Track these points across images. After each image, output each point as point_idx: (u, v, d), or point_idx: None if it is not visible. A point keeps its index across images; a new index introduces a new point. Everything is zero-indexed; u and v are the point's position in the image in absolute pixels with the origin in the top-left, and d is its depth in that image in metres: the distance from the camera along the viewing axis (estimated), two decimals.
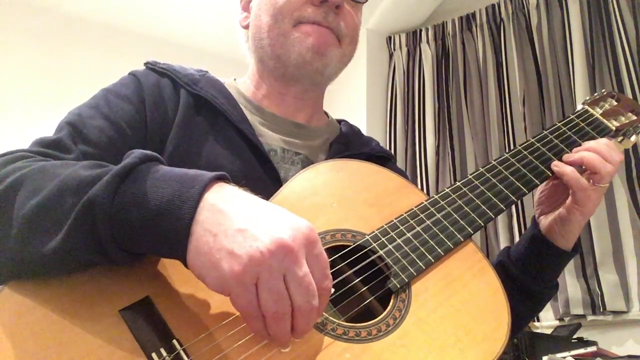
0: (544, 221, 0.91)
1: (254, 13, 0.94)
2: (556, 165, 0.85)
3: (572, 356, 1.78)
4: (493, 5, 2.87)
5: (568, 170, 0.84)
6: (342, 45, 0.91)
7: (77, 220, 0.56)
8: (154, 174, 0.58)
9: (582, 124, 0.92)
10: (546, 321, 2.27)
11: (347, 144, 0.97)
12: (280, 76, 0.93)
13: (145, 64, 0.92)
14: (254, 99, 0.95)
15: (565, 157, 0.87)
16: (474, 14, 2.95)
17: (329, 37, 0.88)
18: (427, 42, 3.10)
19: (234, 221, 0.54)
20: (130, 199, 0.56)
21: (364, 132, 1.08)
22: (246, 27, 0.97)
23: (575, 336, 1.94)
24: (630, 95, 2.29)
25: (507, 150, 0.87)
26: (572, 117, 0.94)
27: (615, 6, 2.42)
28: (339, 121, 1.06)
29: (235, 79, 1.01)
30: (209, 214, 0.55)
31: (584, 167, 0.86)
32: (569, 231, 0.88)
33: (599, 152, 0.85)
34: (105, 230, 0.55)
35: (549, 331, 2.09)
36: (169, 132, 0.83)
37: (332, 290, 0.59)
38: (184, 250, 0.55)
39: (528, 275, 0.90)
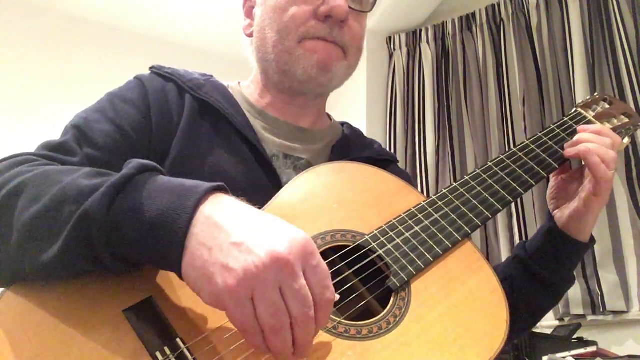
0: (559, 215, 0.92)
1: (257, 25, 0.93)
2: (587, 159, 0.85)
3: (572, 356, 1.78)
4: (493, 5, 2.87)
5: (597, 162, 0.84)
6: (347, 58, 0.91)
7: (73, 231, 0.56)
8: (150, 185, 0.58)
9: (575, 127, 0.93)
10: (546, 321, 2.27)
11: (349, 147, 0.97)
12: (286, 89, 0.93)
13: (151, 68, 0.93)
14: (257, 104, 0.95)
15: (568, 151, 0.88)
16: (474, 14, 2.95)
17: (334, 52, 0.88)
18: (427, 42, 3.10)
19: (229, 235, 0.54)
20: (125, 212, 0.56)
21: (364, 132, 1.09)
22: (250, 35, 0.97)
23: (575, 336, 1.95)
24: (630, 95, 2.30)
25: (502, 152, 0.89)
26: (565, 119, 0.96)
27: (615, 6, 2.42)
28: (342, 123, 1.06)
29: (239, 83, 1.01)
30: (204, 227, 0.54)
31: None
32: (586, 223, 0.89)
33: (597, 141, 0.87)
34: (100, 242, 0.55)
35: (549, 331, 2.09)
36: (174, 137, 0.83)
37: (338, 297, 0.59)
38: (179, 264, 0.54)
39: (546, 268, 0.91)
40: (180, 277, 0.56)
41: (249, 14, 0.98)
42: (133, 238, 0.55)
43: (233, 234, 0.54)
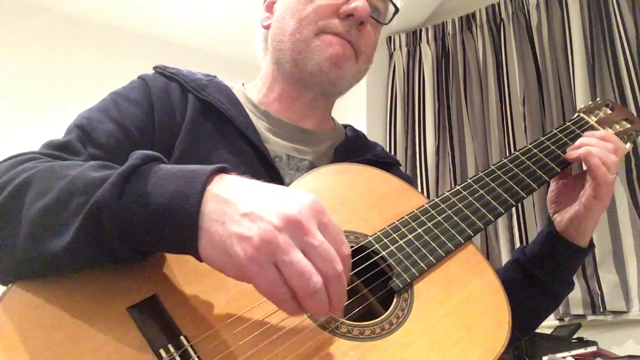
0: (559, 219, 0.92)
1: (277, 14, 0.95)
2: (587, 161, 0.86)
3: (572, 356, 1.78)
4: (493, 5, 2.88)
5: (597, 164, 0.84)
6: (358, 62, 0.93)
7: (84, 222, 0.56)
8: (156, 172, 0.59)
9: (578, 131, 0.94)
10: (546, 321, 2.25)
11: (352, 149, 0.98)
12: (295, 81, 0.94)
13: (154, 68, 0.93)
14: (261, 104, 0.96)
15: (570, 154, 0.89)
16: (474, 14, 2.95)
17: (348, 50, 0.90)
18: (427, 42, 3.10)
19: (238, 207, 0.54)
20: (136, 200, 0.56)
21: (364, 132, 1.09)
22: (267, 27, 0.98)
23: (575, 336, 1.95)
24: (630, 95, 2.30)
25: (506, 155, 0.89)
26: (568, 124, 0.97)
27: (615, 6, 2.42)
28: (345, 126, 1.07)
29: (243, 84, 1.01)
30: (214, 205, 0.55)
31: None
32: (587, 227, 0.89)
33: (599, 145, 0.87)
34: (112, 232, 0.56)
35: (549, 331, 2.10)
36: (177, 137, 0.83)
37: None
38: (195, 245, 0.55)
39: (545, 272, 0.91)
40: (199, 258, 0.56)
41: (269, 8, 1.00)
42: (146, 226, 0.56)
43: (242, 205, 0.54)
